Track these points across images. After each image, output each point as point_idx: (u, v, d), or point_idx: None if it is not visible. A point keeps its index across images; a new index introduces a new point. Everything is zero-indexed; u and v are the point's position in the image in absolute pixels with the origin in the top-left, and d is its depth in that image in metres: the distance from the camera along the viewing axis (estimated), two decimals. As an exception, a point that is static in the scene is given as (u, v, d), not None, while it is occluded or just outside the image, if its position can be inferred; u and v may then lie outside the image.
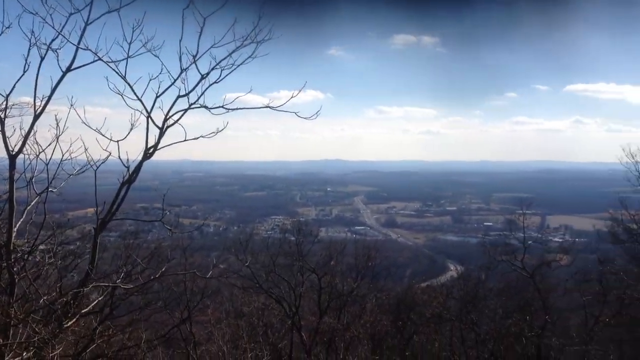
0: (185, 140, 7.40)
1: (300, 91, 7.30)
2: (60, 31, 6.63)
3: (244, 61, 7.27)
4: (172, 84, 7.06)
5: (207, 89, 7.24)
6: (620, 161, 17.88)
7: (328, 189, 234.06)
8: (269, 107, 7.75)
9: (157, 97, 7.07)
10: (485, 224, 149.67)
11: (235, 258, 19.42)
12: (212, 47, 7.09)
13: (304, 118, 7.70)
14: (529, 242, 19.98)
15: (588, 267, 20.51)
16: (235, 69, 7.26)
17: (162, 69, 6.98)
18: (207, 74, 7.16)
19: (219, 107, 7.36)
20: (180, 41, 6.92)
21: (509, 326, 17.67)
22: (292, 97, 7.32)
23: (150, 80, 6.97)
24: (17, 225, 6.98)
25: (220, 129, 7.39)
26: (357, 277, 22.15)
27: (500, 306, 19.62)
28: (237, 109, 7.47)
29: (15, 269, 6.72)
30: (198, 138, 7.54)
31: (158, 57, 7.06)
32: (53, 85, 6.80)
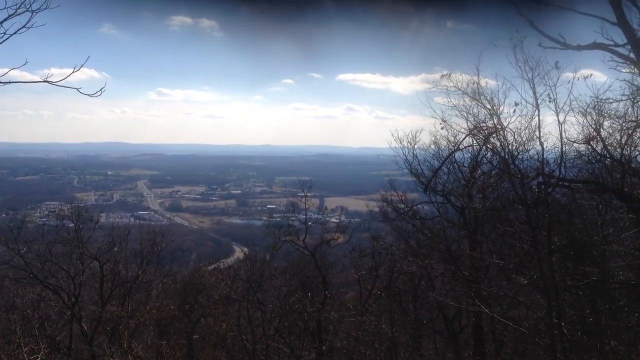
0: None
1: (82, 65, 6.86)
2: None
3: (17, 31, 6.62)
4: None
5: (-26, 60, 6.52)
6: (390, 145, 18.84)
7: (109, 172, 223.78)
8: (48, 81, 7.12)
9: None
10: (268, 206, 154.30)
11: (5, 247, 17.74)
12: (-21, 14, 6.37)
13: (88, 95, 7.18)
14: (310, 223, 20.78)
15: (362, 245, 21.99)
16: (7, 38, 6.58)
17: None
18: (-25, 43, 6.44)
19: (-11, 80, 6.65)
20: (-59, 5, 6.14)
21: (292, 303, 18.47)
22: (73, 71, 6.80)
23: None
24: None
25: (-8, 105, 6.72)
26: (142, 262, 21.59)
27: (284, 285, 20.45)
28: (10, 82, 6.79)
29: None
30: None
31: None
32: None
